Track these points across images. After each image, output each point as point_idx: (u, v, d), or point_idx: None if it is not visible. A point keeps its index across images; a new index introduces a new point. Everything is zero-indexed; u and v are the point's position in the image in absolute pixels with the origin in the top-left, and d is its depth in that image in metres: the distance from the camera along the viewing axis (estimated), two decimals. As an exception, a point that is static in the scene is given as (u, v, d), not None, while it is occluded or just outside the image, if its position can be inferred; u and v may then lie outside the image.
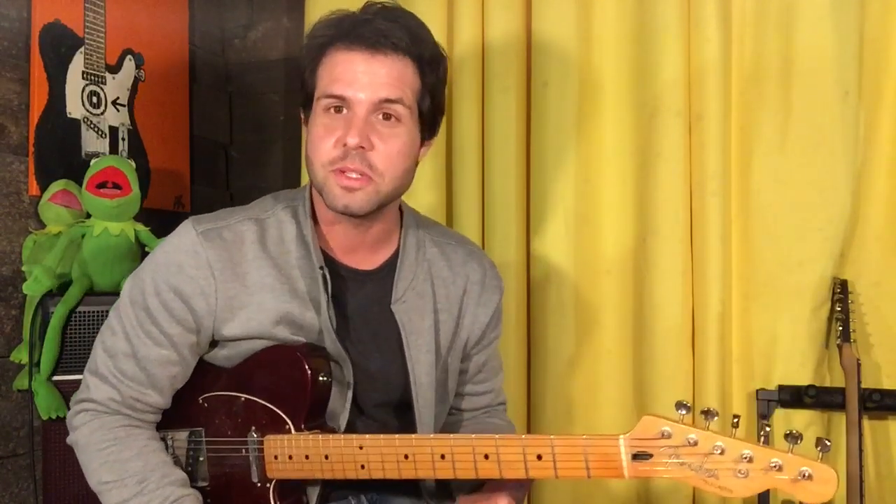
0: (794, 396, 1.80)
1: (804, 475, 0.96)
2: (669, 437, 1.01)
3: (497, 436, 1.12)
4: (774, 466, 0.97)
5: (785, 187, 1.85)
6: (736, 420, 1.01)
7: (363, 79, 1.19)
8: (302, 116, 1.31)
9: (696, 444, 1.00)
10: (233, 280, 1.23)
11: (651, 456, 1.02)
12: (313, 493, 1.27)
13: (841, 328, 1.75)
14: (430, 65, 1.25)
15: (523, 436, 1.11)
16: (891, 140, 1.78)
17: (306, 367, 1.22)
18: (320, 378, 1.24)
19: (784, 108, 1.85)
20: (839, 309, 1.77)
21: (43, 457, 1.82)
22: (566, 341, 1.95)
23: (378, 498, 1.37)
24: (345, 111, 1.20)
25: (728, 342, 1.85)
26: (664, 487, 1.86)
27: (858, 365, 1.69)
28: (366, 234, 1.30)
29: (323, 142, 1.21)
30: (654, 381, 1.88)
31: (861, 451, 1.65)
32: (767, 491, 1.68)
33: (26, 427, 1.86)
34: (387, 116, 1.21)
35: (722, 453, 0.99)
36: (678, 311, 1.86)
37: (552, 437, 1.07)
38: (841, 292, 1.78)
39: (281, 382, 1.24)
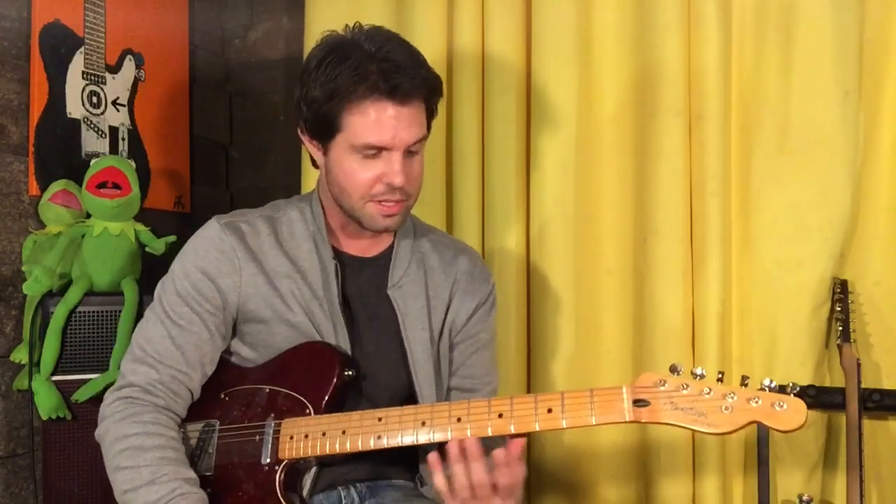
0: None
1: (779, 405, 1.13)
2: (665, 384, 1.17)
3: (513, 396, 1.23)
4: (754, 401, 1.13)
5: (785, 187, 1.85)
6: (720, 374, 1.17)
7: (399, 127, 1.31)
8: (309, 138, 1.39)
9: (687, 388, 1.16)
10: (253, 262, 1.36)
11: (649, 403, 1.17)
12: (307, 480, 1.32)
13: (841, 328, 1.75)
14: (436, 96, 1.38)
15: (535, 393, 1.23)
16: (891, 140, 1.78)
17: (335, 359, 1.32)
18: (346, 372, 1.32)
19: (784, 107, 1.84)
20: (839, 309, 1.77)
21: (43, 457, 1.83)
22: (566, 341, 1.95)
23: (368, 490, 1.42)
24: (381, 153, 1.32)
25: (728, 342, 1.85)
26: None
27: (858, 365, 1.69)
28: (367, 230, 1.40)
29: (359, 177, 1.33)
30: (654, 381, 1.88)
31: (861, 451, 1.65)
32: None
33: (26, 427, 1.86)
34: (413, 150, 1.35)
35: (710, 395, 1.15)
36: (678, 311, 1.86)
37: (561, 392, 1.20)
38: (841, 292, 1.78)
39: (307, 373, 1.32)
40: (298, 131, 1.41)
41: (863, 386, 1.70)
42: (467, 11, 1.99)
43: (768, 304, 1.86)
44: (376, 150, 1.31)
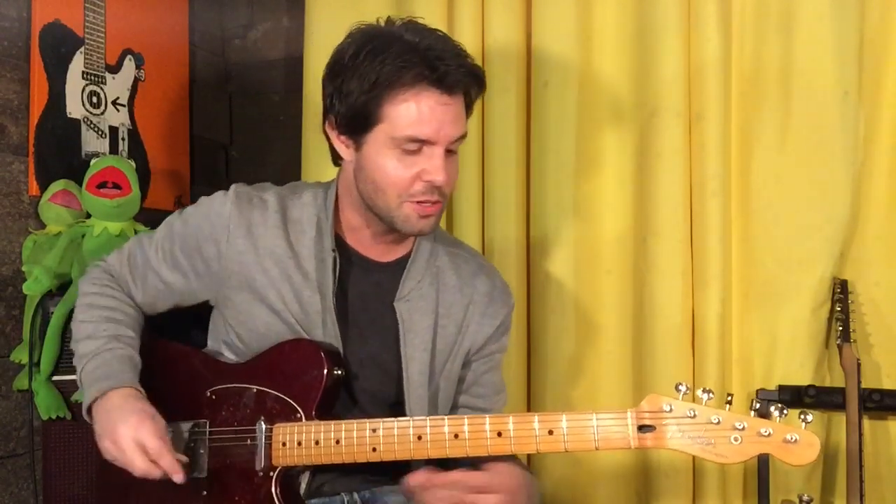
0: (794, 396, 1.80)
1: (791, 440, 1.08)
2: (671, 410, 1.12)
3: (512, 414, 1.19)
4: (764, 433, 1.09)
5: (785, 187, 1.85)
6: (729, 398, 1.12)
7: (445, 119, 1.24)
8: (338, 134, 1.32)
9: (695, 416, 1.12)
10: (245, 237, 1.34)
11: (654, 428, 1.13)
12: (303, 481, 1.31)
13: (841, 328, 1.75)
14: (479, 90, 1.32)
15: (536, 413, 1.18)
16: (891, 140, 1.79)
17: (323, 359, 1.28)
18: (335, 371, 1.29)
19: (784, 107, 1.84)
20: (839, 309, 1.77)
21: (43, 457, 1.83)
22: (566, 341, 1.95)
23: (370, 497, 1.40)
24: (423, 148, 1.25)
25: (728, 342, 1.86)
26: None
27: (858, 365, 1.69)
28: (388, 235, 1.37)
29: (397, 173, 1.26)
30: (654, 382, 1.88)
31: (861, 451, 1.65)
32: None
33: (26, 427, 1.86)
34: (452, 149, 1.29)
35: (718, 423, 1.10)
36: (678, 311, 1.86)
37: (563, 413, 1.16)
38: (841, 292, 1.78)
39: (296, 374, 1.29)
40: (325, 127, 1.34)
41: (863, 386, 1.70)
42: (467, 11, 1.99)
43: (768, 304, 1.86)
44: (418, 145, 1.24)
